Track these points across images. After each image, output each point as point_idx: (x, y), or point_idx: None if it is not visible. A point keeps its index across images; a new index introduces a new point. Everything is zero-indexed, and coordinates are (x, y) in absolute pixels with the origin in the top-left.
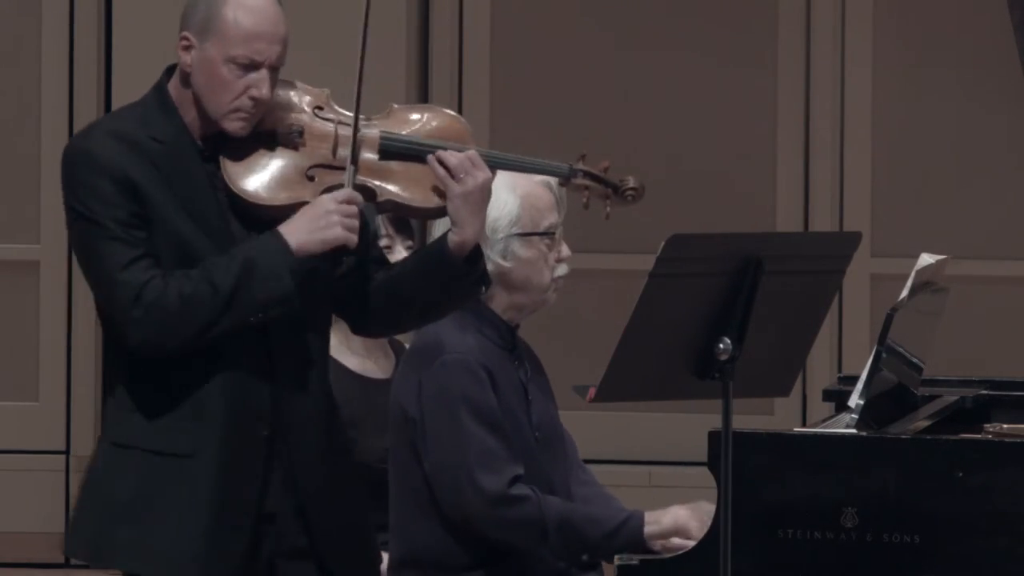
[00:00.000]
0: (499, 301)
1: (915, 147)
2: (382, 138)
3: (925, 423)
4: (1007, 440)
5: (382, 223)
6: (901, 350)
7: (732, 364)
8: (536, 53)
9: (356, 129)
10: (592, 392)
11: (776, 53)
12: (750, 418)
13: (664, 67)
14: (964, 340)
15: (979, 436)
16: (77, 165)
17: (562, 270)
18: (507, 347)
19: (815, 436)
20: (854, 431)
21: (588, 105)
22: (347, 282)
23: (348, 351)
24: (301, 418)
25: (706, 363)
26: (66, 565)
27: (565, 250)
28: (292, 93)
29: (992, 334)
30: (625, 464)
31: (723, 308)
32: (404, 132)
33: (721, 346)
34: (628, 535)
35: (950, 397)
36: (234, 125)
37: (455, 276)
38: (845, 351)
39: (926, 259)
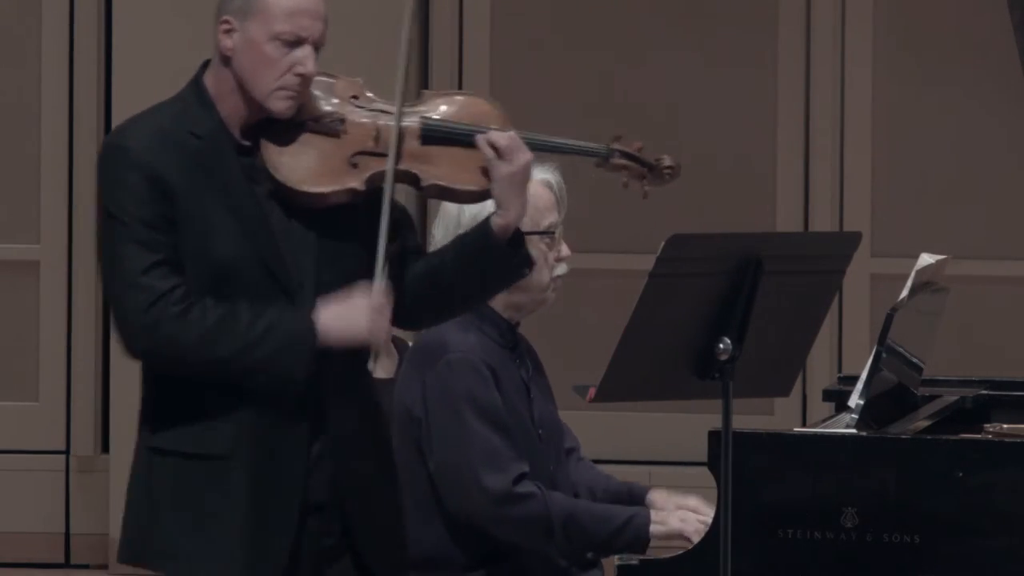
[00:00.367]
0: (499, 300)
1: (915, 147)
2: (423, 123)
3: (925, 423)
4: (1007, 440)
5: None
6: (901, 350)
7: (732, 364)
8: (536, 53)
9: (399, 115)
10: (592, 392)
11: (776, 53)
12: (750, 418)
13: (664, 67)
14: (964, 340)
15: (979, 436)
16: (110, 160)
17: (562, 269)
18: (508, 345)
19: (815, 436)
20: (854, 431)
21: (588, 105)
22: (388, 275)
23: None
24: (342, 414)
25: (706, 363)
26: (66, 565)
27: (565, 250)
28: (329, 82)
29: (992, 334)
30: (625, 464)
31: (723, 308)
32: (442, 117)
33: (721, 346)
34: (633, 533)
35: (950, 397)
36: (280, 104)
37: (500, 259)
38: (845, 351)
39: (926, 259)
